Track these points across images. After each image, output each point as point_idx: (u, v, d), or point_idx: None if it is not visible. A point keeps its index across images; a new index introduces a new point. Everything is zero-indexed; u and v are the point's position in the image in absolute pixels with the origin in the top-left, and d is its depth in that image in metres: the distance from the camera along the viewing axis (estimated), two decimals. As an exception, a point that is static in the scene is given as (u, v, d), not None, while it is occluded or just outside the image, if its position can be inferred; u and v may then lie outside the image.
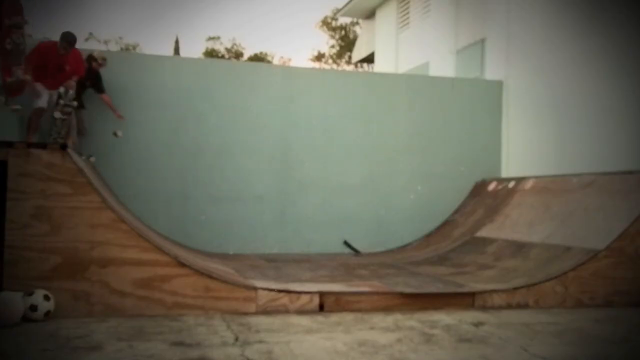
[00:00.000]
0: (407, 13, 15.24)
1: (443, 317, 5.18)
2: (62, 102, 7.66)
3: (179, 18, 56.39)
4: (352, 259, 8.85)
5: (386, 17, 16.53)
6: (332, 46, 35.79)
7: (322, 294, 5.42)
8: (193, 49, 46.13)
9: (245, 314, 5.16)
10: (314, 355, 3.92)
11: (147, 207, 8.72)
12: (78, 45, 8.13)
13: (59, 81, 7.77)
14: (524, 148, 10.18)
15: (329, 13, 35.10)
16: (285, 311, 5.28)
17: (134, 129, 8.96)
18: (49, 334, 4.30)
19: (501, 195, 9.35)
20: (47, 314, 4.70)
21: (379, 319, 5.06)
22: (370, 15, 17.78)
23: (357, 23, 31.94)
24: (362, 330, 4.67)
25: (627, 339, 4.67)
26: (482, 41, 11.66)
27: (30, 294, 4.69)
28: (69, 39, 7.81)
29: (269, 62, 35.79)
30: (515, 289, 5.84)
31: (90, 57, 8.51)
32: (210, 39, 38.75)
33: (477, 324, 4.95)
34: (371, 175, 10.05)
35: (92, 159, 7.97)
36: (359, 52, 19.96)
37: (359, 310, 5.39)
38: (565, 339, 4.56)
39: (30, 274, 4.83)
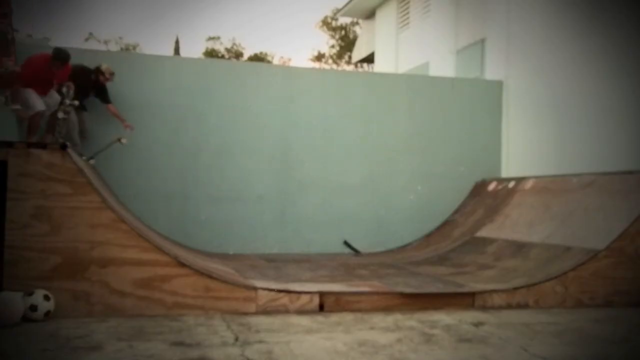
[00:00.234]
0: (407, 13, 15.24)
1: (443, 317, 5.18)
2: (67, 101, 7.67)
3: (179, 18, 56.40)
4: (352, 259, 8.85)
5: (386, 17, 16.53)
6: (332, 46, 35.82)
7: (322, 294, 5.42)
8: (193, 49, 46.18)
9: (245, 314, 5.16)
10: (314, 355, 3.92)
11: (147, 207, 8.73)
12: (78, 45, 8.14)
13: (46, 90, 7.74)
14: (524, 148, 10.18)
15: (329, 13, 35.16)
16: (285, 311, 5.28)
17: (134, 129, 8.94)
18: (49, 334, 4.30)
19: (501, 195, 9.35)
20: (47, 314, 4.71)
21: (379, 319, 5.06)
22: (370, 15, 17.78)
23: (357, 23, 31.96)
24: (362, 330, 4.67)
25: (627, 339, 4.67)
26: (482, 41, 11.66)
27: (30, 294, 4.69)
28: (63, 57, 7.69)
29: (269, 62, 35.80)
30: (515, 289, 5.84)
31: (98, 71, 8.47)
32: (210, 39, 38.79)
33: (477, 324, 4.95)
34: (371, 175, 10.05)
35: (92, 162, 7.97)
36: (359, 52, 19.96)
37: (359, 310, 5.39)
38: (565, 339, 4.56)
39: (30, 274, 4.83)
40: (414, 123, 10.33)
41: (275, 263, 7.94)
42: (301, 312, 5.28)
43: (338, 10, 20.90)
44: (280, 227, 9.57)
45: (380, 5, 16.79)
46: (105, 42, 37.38)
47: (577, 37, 9.16)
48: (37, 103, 7.54)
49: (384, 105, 10.24)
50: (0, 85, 7.06)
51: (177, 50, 35.76)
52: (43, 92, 7.68)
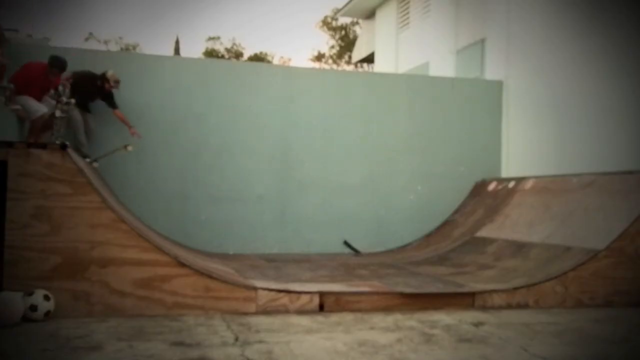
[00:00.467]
0: (407, 13, 15.24)
1: (443, 317, 5.18)
2: (63, 98, 7.67)
3: (179, 18, 56.44)
4: (352, 259, 8.85)
5: (386, 17, 16.53)
6: (332, 46, 35.81)
7: (322, 294, 5.42)
8: (193, 49, 46.20)
9: (245, 314, 5.16)
10: (314, 355, 3.92)
11: (147, 207, 8.73)
12: (78, 45, 8.14)
13: (40, 97, 7.73)
14: (524, 148, 10.18)
15: (329, 13, 35.15)
16: (285, 311, 5.28)
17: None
18: (49, 334, 4.31)
19: (501, 195, 9.35)
20: (47, 314, 4.71)
21: (379, 319, 5.06)
22: (370, 15, 17.78)
23: (357, 23, 31.95)
24: (362, 330, 4.67)
25: (627, 339, 4.67)
26: (482, 41, 11.66)
27: (30, 294, 4.69)
28: (60, 65, 7.68)
29: (269, 62, 35.80)
30: (515, 289, 5.84)
31: (103, 78, 8.45)
32: (210, 39, 38.79)
33: (477, 324, 4.95)
34: (371, 175, 10.05)
35: (95, 165, 7.99)
36: (359, 52, 19.96)
37: (359, 310, 5.39)
38: (565, 339, 4.56)
39: (30, 274, 4.83)
40: (414, 123, 10.33)
41: (275, 263, 7.94)
42: (301, 312, 5.28)
43: (338, 10, 20.90)
44: (280, 227, 9.57)
45: (380, 5, 16.79)
46: (105, 42, 37.41)
47: (577, 37, 9.16)
48: (38, 106, 7.54)
49: (384, 105, 10.24)
50: None
51: (177, 50, 35.78)
52: (37, 99, 7.68)
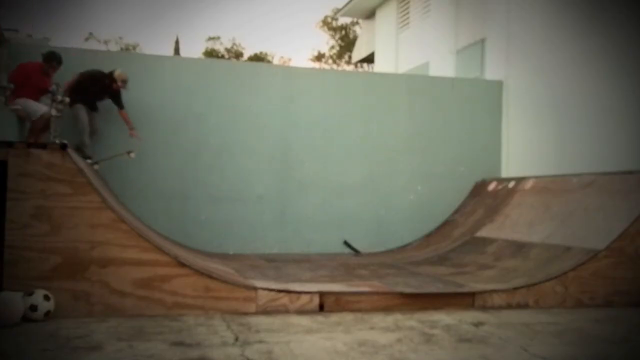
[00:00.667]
0: (407, 13, 15.24)
1: (443, 317, 5.18)
2: (59, 97, 7.66)
3: (179, 18, 56.45)
4: (352, 259, 8.85)
5: (386, 17, 16.53)
6: (332, 46, 35.80)
7: (322, 294, 5.42)
8: (193, 49, 46.21)
9: (245, 314, 5.16)
10: (314, 355, 3.92)
11: (147, 207, 8.73)
12: (77, 45, 8.15)
13: (37, 97, 7.73)
14: (524, 148, 10.18)
15: (329, 13, 35.15)
16: (285, 311, 5.28)
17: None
18: (49, 334, 4.31)
19: (501, 195, 9.35)
20: (47, 314, 4.71)
21: (379, 319, 5.06)
22: (370, 15, 17.78)
23: (357, 23, 31.95)
24: (362, 330, 4.67)
25: (627, 339, 4.67)
26: (482, 41, 11.66)
27: (30, 294, 4.69)
28: (58, 58, 7.71)
29: (269, 62, 35.80)
30: (515, 289, 5.84)
31: (111, 77, 8.43)
32: (210, 39, 38.78)
33: (477, 324, 4.95)
34: (371, 175, 10.05)
35: (96, 167, 8.00)
36: (359, 52, 19.96)
37: (359, 310, 5.39)
38: (565, 339, 4.56)
39: (30, 274, 4.83)
40: (414, 123, 10.32)
41: (275, 263, 7.94)
42: (301, 312, 5.28)
43: (338, 10, 20.89)
44: (280, 227, 9.57)
45: (380, 5, 16.79)
46: (105, 42, 37.42)
47: (577, 37, 9.16)
48: (38, 107, 7.54)
49: (384, 105, 10.24)
50: None
51: (177, 50, 35.78)
52: (35, 98, 7.68)
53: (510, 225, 8.33)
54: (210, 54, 37.37)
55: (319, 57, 36.33)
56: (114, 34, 48.68)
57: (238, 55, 37.70)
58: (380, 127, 10.16)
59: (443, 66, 12.94)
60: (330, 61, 35.86)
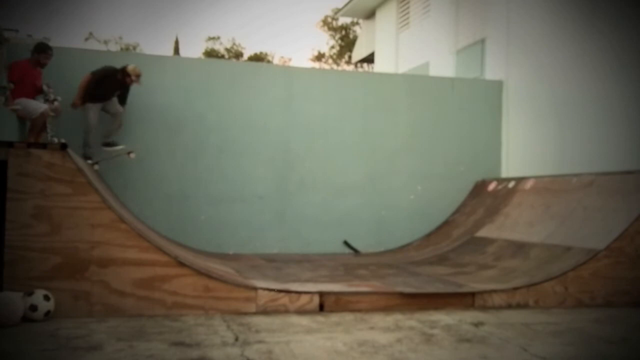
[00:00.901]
0: (407, 13, 15.24)
1: (443, 317, 5.18)
2: (51, 96, 7.66)
3: (179, 18, 56.49)
4: (352, 259, 8.85)
5: (386, 17, 16.53)
6: (332, 46, 35.80)
7: (322, 294, 5.42)
8: (193, 49, 46.26)
9: (245, 314, 5.16)
10: (314, 355, 3.92)
11: (147, 207, 8.73)
12: (77, 45, 8.15)
13: (33, 95, 7.74)
14: (524, 148, 10.18)
15: (329, 13, 35.15)
16: (285, 311, 5.28)
17: (134, 129, 8.95)
18: (49, 334, 4.31)
19: (501, 195, 9.35)
20: (47, 314, 4.71)
21: (379, 319, 5.06)
22: (370, 15, 17.78)
23: (357, 23, 31.96)
24: (362, 330, 4.67)
25: (627, 339, 4.67)
26: (482, 41, 11.66)
27: (30, 294, 4.69)
28: (47, 47, 7.76)
29: (269, 62, 35.80)
30: (515, 289, 5.84)
31: (124, 72, 8.39)
32: (210, 39, 38.78)
33: (477, 324, 4.95)
34: (371, 175, 10.05)
35: (96, 167, 8.00)
36: (359, 52, 19.95)
37: (359, 310, 5.39)
38: (565, 339, 4.56)
39: (30, 274, 4.83)
40: (414, 123, 10.32)
41: (275, 263, 7.94)
42: (301, 312, 5.28)
43: (338, 10, 20.89)
44: (280, 227, 9.57)
45: (380, 5, 16.79)
46: (105, 42, 37.43)
47: (577, 37, 9.16)
48: (37, 105, 7.54)
49: (384, 105, 10.24)
50: None
51: (176, 51, 35.79)
52: (31, 95, 7.69)
53: (510, 225, 8.33)
54: (210, 54, 37.38)
55: (319, 57, 36.34)
56: (114, 34, 48.74)
57: (238, 55, 37.70)
58: (380, 127, 10.16)
59: (443, 66, 12.94)
60: (330, 61, 35.87)
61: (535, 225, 7.76)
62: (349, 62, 33.38)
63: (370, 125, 10.12)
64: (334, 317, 5.11)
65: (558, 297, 5.90)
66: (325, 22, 35.39)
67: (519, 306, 5.76)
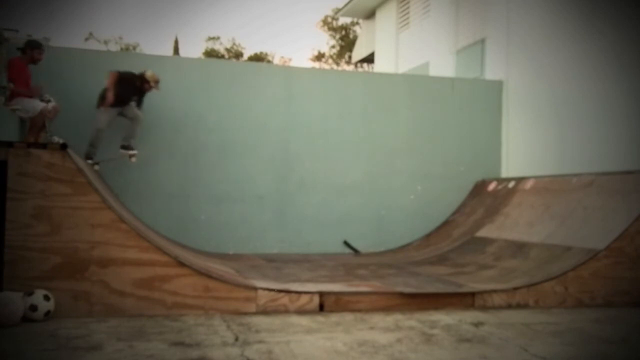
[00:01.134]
0: (407, 13, 15.24)
1: (443, 317, 5.18)
2: (47, 97, 7.65)
3: (179, 18, 56.49)
4: (352, 259, 8.85)
5: (386, 17, 16.53)
6: (332, 46, 35.80)
7: (322, 294, 5.42)
8: (193, 49, 46.24)
9: (245, 314, 5.16)
10: (314, 355, 3.92)
11: (147, 207, 8.73)
12: (77, 45, 8.15)
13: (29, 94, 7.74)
14: (524, 148, 10.18)
15: (329, 13, 35.14)
16: (285, 311, 5.28)
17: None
18: (49, 334, 4.31)
19: (501, 195, 9.35)
20: (47, 314, 4.71)
21: (379, 319, 5.06)
22: (370, 15, 17.78)
23: (357, 23, 31.95)
24: (362, 330, 4.67)
25: (627, 339, 4.67)
26: (482, 41, 11.66)
27: (30, 294, 4.69)
28: (38, 43, 7.76)
29: (269, 62, 35.80)
30: (515, 289, 5.84)
31: (142, 78, 8.42)
32: (210, 39, 38.76)
33: (477, 324, 4.95)
34: (371, 175, 10.05)
35: (97, 167, 7.99)
36: (359, 52, 19.96)
37: (359, 310, 5.39)
38: (565, 339, 4.56)
39: (30, 274, 4.83)
40: (414, 123, 10.32)
41: (275, 263, 7.94)
42: (301, 312, 5.28)
43: (338, 10, 20.89)
44: (280, 227, 9.57)
45: (380, 5, 16.79)
46: (105, 42, 37.40)
47: (577, 37, 9.16)
48: (36, 103, 7.53)
49: (384, 105, 10.24)
50: None
51: (176, 51, 35.77)
52: (28, 95, 7.68)
53: (510, 225, 8.33)
54: (210, 54, 37.37)
55: (319, 57, 36.33)
56: (114, 34, 48.71)
57: (238, 55, 37.69)
58: (380, 127, 10.15)
59: (443, 66, 12.94)
60: (330, 61, 35.87)
61: (535, 225, 7.76)
62: (349, 62, 33.38)
63: (370, 125, 10.12)
64: (334, 317, 5.11)
65: (558, 297, 5.90)
66: (325, 22, 35.38)
67: (519, 306, 5.76)
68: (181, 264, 5.19)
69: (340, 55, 35.30)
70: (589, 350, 4.24)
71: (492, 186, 9.91)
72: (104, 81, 8.23)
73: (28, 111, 7.50)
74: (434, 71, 13.27)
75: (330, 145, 9.90)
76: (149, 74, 8.44)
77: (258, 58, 36.76)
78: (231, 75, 9.63)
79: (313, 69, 20.50)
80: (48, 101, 7.53)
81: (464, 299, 5.69)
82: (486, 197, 9.77)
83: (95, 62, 8.95)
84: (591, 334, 4.78)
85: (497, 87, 10.78)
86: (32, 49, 7.67)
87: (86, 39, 37.35)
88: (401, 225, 9.97)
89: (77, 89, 8.75)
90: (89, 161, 7.97)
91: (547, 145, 9.66)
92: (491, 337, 4.53)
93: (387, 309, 5.45)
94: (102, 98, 8.20)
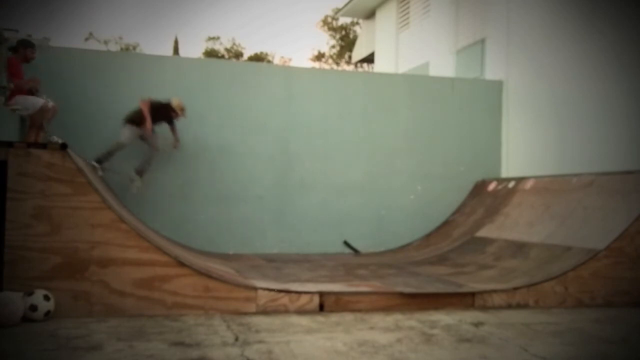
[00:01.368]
0: (407, 13, 15.24)
1: (443, 317, 5.18)
2: (44, 96, 7.64)
3: (179, 18, 56.49)
4: (352, 259, 8.85)
5: (386, 17, 16.53)
6: (332, 46, 35.81)
7: (322, 294, 5.42)
8: (193, 49, 46.26)
9: (245, 314, 5.16)
10: (314, 355, 3.92)
11: (147, 207, 8.73)
12: (77, 45, 8.15)
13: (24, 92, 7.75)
14: (524, 148, 10.18)
15: (329, 13, 35.15)
16: (285, 311, 5.28)
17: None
18: (49, 334, 4.31)
19: (501, 195, 9.35)
20: (47, 314, 4.71)
21: (379, 319, 5.06)
22: (370, 15, 17.78)
23: (357, 23, 31.95)
24: (362, 330, 4.67)
25: (627, 339, 4.67)
26: (482, 41, 11.66)
27: (30, 294, 4.69)
28: (31, 42, 7.80)
29: (269, 62, 35.80)
30: (515, 289, 5.84)
31: (169, 107, 8.70)
32: (210, 39, 38.77)
33: (477, 324, 4.95)
34: (371, 175, 10.05)
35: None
36: (359, 52, 19.95)
37: (359, 310, 5.39)
38: (565, 339, 4.56)
39: (30, 274, 4.83)
40: (414, 123, 10.32)
41: (275, 263, 7.94)
42: (301, 312, 5.28)
43: (338, 10, 20.89)
44: (280, 227, 9.57)
45: (380, 5, 16.79)
46: (105, 42, 37.41)
47: (577, 37, 9.16)
48: (36, 100, 7.52)
49: (384, 105, 10.24)
50: None
51: (176, 51, 35.77)
52: (24, 93, 7.69)
53: (510, 225, 8.33)
54: (210, 54, 37.37)
55: (319, 57, 36.33)
56: (114, 34, 48.74)
57: (238, 55, 37.69)
58: (380, 127, 10.16)
59: (443, 66, 12.94)
60: (330, 61, 35.87)
61: (535, 225, 7.76)
62: (349, 62, 33.38)
63: (370, 125, 10.12)
64: (334, 317, 5.11)
65: (558, 297, 5.90)
66: (325, 22, 35.39)
67: (519, 306, 5.76)
68: (181, 264, 5.19)
69: (340, 55, 35.31)
70: (589, 350, 4.24)
71: (492, 186, 9.91)
72: (122, 94, 8.72)
73: (28, 108, 7.49)
74: (434, 71, 13.27)
75: (330, 145, 9.90)
76: (175, 103, 8.75)
77: (258, 58, 36.76)
78: (231, 75, 9.63)
79: (313, 69, 20.50)
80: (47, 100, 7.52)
81: (464, 299, 5.69)
82: (486, 197, 9.77)
83: (95, 62, 8.96)
84: (591, 334, 4.78)
85: (497, 87, 10.78)
86: (25, 48, 7.66)
87: (86, 39, 37.38)
88: (401, 225, 9.97)
89: (77, 89, 8.77)
90: (97, 164, 8.05)
91: (547, 145, 9.66)
92: (491, 337, 4.53)
93: (387, 309, 5.45)
94: (132, 120, 8.48)
